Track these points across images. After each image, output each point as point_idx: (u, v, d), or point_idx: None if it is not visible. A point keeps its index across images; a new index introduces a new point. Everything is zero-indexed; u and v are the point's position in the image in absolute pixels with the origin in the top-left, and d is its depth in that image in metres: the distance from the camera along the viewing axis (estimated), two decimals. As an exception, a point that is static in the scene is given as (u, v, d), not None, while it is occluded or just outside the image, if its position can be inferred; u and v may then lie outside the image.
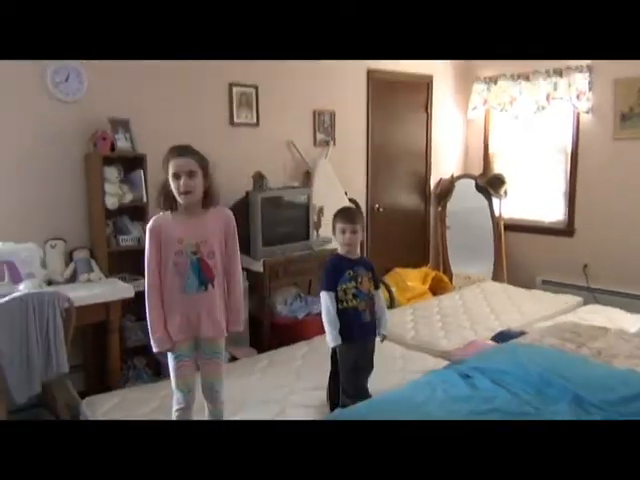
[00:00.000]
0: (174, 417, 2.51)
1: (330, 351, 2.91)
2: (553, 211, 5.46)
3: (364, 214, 5.16)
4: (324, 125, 4.89)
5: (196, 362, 2.53)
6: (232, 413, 2.78)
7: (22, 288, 2.93)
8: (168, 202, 2.39)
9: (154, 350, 2.44)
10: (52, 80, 3.41)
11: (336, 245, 4.31)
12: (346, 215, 2.80)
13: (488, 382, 2.39)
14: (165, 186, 2.38)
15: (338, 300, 2.74)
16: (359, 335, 2.78)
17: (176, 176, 2.32)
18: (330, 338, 2.75)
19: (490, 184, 5.60)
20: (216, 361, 2.54)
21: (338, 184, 4.87)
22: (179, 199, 2.35)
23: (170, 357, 2.47)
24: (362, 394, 2.80)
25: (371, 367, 2.87)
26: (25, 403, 2.85)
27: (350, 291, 2.73)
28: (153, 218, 2.42)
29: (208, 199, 2.41)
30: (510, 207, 5.69)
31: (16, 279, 3.06)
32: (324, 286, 2.78)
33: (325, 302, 2.76)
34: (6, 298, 2.73)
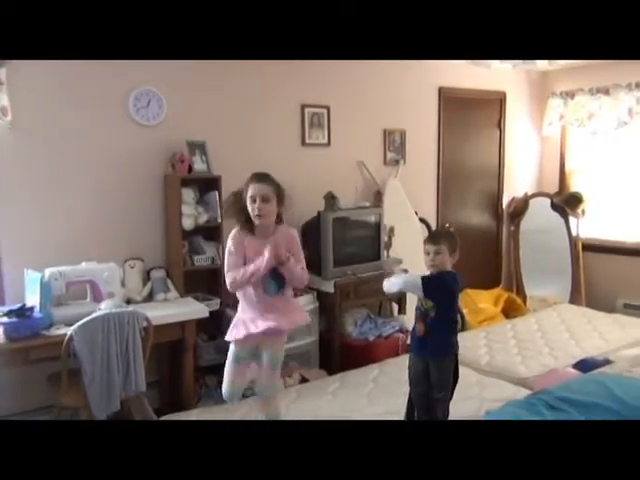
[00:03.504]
0: None
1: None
2: (636, 231, 5.18)
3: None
4: (394, 144, 4.84)
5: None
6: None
7: (103, 307, 3.01)
8: (242, 216, 2.65)
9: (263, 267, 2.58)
10: (134, 106, 3.54)
11: (406, 266, 4.29)
12: (430, 236, 2.84)
13: (577, 415, 2.26)
14: (241, 200, 2.63)
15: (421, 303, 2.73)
16: (413, 348, 2.82)
17: (252, 199, 2.59)
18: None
19: (567, 203, 5.39)
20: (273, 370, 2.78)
21: (408, 203, 4.81)
22: (254, 220, 2.61)
23: (230, 357, 2.74)
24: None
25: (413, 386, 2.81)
26: (103, 420, 2.92)
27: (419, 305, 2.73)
28: (233, 231, 2.69)
29: (279, 221, 2.70)
30: (589, 226, 5.45)
31: (98, 298, 3.16)
32: None
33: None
34: (89, 317, 2.82)
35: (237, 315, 2.76)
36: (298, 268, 2.68)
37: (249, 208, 2.59)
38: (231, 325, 2.75)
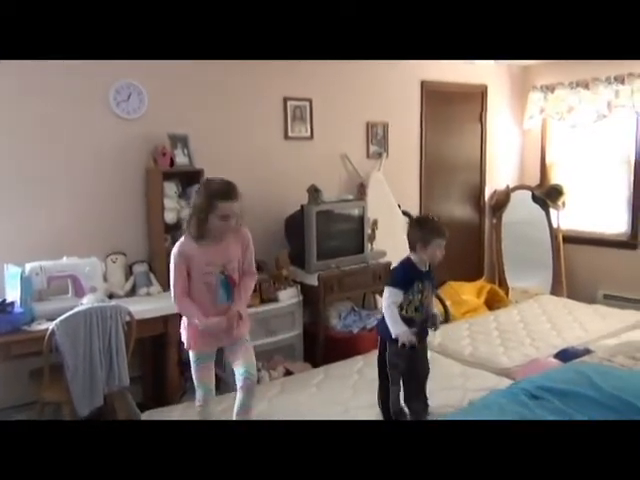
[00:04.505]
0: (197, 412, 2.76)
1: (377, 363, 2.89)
2: (615, 222, 5.26)
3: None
4: (377, 137, 4.85)
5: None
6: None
7: (85, 302, 3.00)
8: (200, 229, 2.49)
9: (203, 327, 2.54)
10: (114, 99, 3.51)
11: (390, 259, 4.32)
12: (442, 229, 2.71)
13: (558, 403, 2.29)
14: (201, 214, 2.47)
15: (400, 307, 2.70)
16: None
17: (224, 218, 2.46)
18: (396, 329, 2.64)
19: (548, 195, 5.45)
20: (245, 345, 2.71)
21: (391, 196, 4.83)
22: (217, 235, 2.52)
23: (192, 359, 2.69)
24: (419, 399, 2.79)
25: (427, 370, 2.85)
26: (87, 415, 2.90)
27: (414, 304, 2.70)
28: (179, 243, 2.56)
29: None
30: (569, 218, 5.51)
31: (79, 293, 3.14)
32: (393, 282, 2.71)
33: (391, 298, 2.68)
34: (71, 312, 2.80)
35: (188, 322, 2.63)
36: (248, 293, 2.70)
37: (216, 224, 2.46)
38: (184, 332, 2.65)
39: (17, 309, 2.89)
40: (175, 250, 2.56)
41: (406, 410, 2.81)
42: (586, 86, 5.19)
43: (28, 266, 3.02)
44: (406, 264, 2.77)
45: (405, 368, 2.74)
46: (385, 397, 2.82)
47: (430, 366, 2.91)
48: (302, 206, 3.99)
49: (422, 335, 2.81)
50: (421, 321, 2.77)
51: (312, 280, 3.97)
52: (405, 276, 2.71)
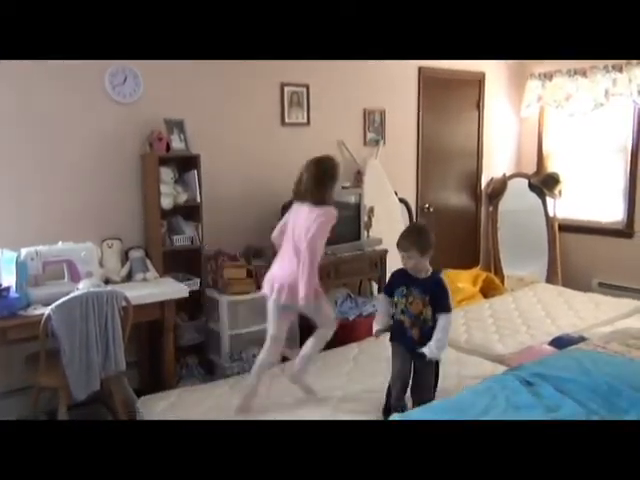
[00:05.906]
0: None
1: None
2: (611, 211, 5.27)
3: (414, 214, 5.08)
4: (374, 124, 4.84)
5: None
6: (284, 416, 2.77)
7: (81, 287, 2.98)
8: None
9: None
10: (110, 83, 3.47)
11: (386, 247, 4.32)
12: (400, 241, 2.71)
13: (551, 390, 2.30)
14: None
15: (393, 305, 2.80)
16: (401, 343, 2.78)
17: None
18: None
19: (544, 183, 5.45)
20: None
21: (388, 184, 4.82)
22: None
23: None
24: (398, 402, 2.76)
25: (405, 384, 2.78)
26: (83, 399, 2.90)
27: (400, 306, 2.74)
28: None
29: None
30: (565, 207, 5.52)
31: (75, 278, 3.13)
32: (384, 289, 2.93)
33: (378, 304, 2.90)
34: (67, 297, 2.79)
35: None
36: None
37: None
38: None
39: (13, 294, 2.88)
40: (334, 214, 2.99)
41: (408, 404, 2.78)
42: (584, 74, 5.18)
43: (24, 251, 3.00)
44: (397, 271, 2.84)
45: (400, 370, 2.77)
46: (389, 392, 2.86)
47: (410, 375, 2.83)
48: (299, 192, 3.98)
49: (418, 353, 2.71)
50: (417, 334, 2.70)
51: (308, 267, 3.97)
52: (389, 282, 2.89)
